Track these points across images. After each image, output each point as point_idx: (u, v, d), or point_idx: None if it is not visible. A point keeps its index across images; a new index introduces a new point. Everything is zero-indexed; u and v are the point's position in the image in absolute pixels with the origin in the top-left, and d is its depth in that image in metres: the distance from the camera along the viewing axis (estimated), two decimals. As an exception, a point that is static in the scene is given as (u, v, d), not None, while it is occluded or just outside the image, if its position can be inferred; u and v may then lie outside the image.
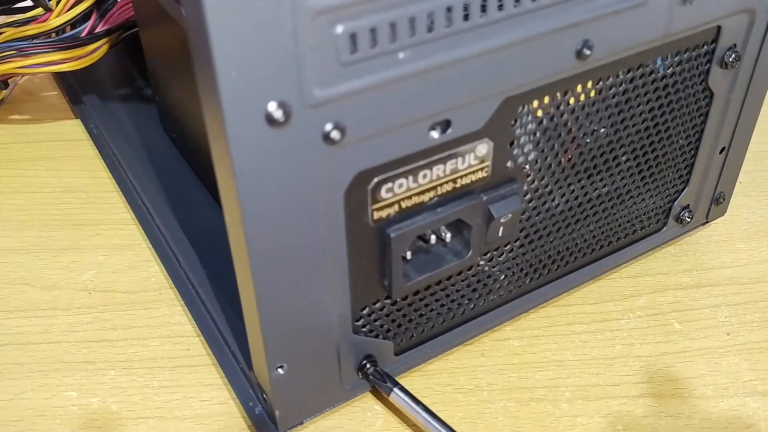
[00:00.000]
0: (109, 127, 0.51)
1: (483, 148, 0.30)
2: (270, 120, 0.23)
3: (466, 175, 0.30)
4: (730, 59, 0.35)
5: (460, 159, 0.30)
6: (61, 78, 0.58)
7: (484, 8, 0.26)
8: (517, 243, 0.35)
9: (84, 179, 0.49)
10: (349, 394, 0.34)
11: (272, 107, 0.23)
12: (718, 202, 0.42)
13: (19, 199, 0.48)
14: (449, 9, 0.25)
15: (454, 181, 0.30)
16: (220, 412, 0.34)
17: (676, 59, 0.34)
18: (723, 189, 0.42)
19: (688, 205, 0.41)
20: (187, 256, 0.40)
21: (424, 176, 0.29)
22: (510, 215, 0.32)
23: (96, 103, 0.54)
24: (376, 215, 0.29)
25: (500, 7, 0.26)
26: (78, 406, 0.34)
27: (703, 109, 0.37)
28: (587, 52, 0.29)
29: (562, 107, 0.31)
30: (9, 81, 0.54)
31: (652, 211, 0.40)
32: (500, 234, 0.33)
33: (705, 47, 0.34)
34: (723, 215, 0.44)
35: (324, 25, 0.23)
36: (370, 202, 0.28)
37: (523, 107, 0.30)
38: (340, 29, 0.23)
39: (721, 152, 0.40)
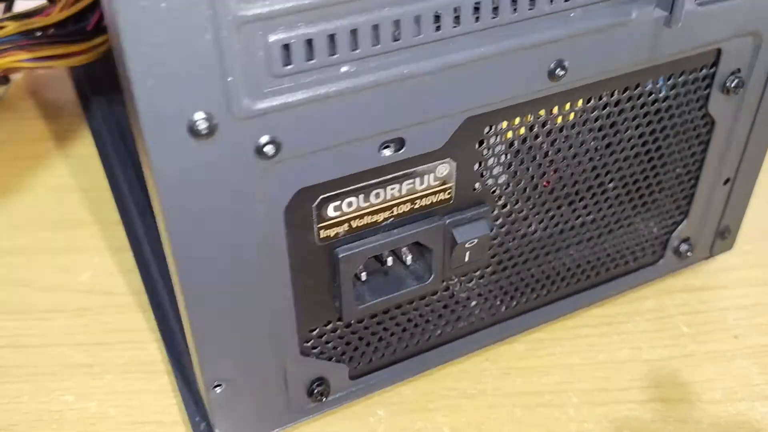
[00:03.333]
0: (110, 126, 0.51)
1: (444, 168, 0.28)
2: (193, 131, 0.22)
3: (425, 196, 0.29)
4: (733, 85, 0.32)
5: (417, 179, 0.28)
6: (67, 73, 0.58)
7: (437, 22, 0.24)
8: (489, 269, 0.33)
9: (82, 179, 0.49)
10: (299, 416, 0.32)
11: (195, 118, 0.22)
12: (724, 236, 0.39)
13: (16, 200, 0.47)
14: (396, 22, 0.23)
15: (411, 202, 0.28)
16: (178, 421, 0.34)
17: (669, 83, 0.31)
18: (729, 222, 0.39)
19: (689, 237, 0.38)
20: (161, 263, 0.39)
21: (377, 195, 0.27)
22: (476, 240, 0.30)
23: (100, 101, 0.54)
24: (323, 234, 0.27)
25: (456, 22, 0.24)
26: (75, 410, 0.34)
27: (703, 137, 0.34)
28: (560, 72, 0.27)
29: (536, 129, 0.29)
30: (10, 76, 0.54)
31: (647, 242, 0.37)
32: (467, 259, 0.31)
33: (704, 71, 0.32)
34: (729, 249, 0.41)
35: (252, 35, 0.21)
36: (315, 221, 0.27)
37: (491, 128, 0.28)
38: (270, 40, 0.22)
39: (725, 183, 0.37)
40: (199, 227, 0.24)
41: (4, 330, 0.38)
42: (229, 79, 0.22)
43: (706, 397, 0.35)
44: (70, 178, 0.49)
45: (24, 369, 0.36)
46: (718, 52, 0.31)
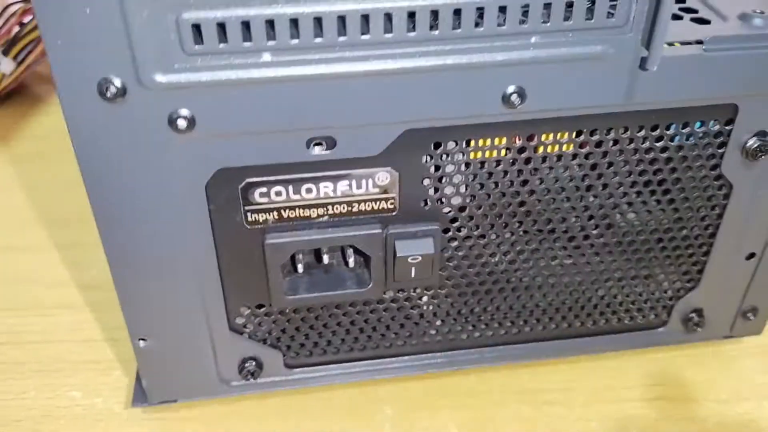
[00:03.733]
0: None
1: (384, 177, 0.27)
2: (101, 93, 0.23)
3: (364, 201, 0.28)
4: (754, 148, 0.29)
5: (354, 182, 0.27)
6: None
7: (366, 27, 0.23)
8: (444, 291, 0.32)
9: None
10: (235, 390, 0.33)
11: (103, 80, 0.23)
12: (747, 316, 0.35)
13: (23, 196, 0.48)
14: (318, 20, 0.23)
15: (348, 204, 0.28)
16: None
17: (668, 132, 0.28)
18: (755, 302, 0.34)
19: (701, 309, 0.34)
20: None
21: (309, 191, 0.27)
22: (420, 257, 0.29)
23: None
24: (251, 217, 0.28)
25: (389, 30, 0.24)
26: (82, 407, 0.34)
27: (717, 201, 0.31)
28: (516, 99, 0.26)
29: (497, 155, 0.28)
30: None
31: (645, 302, 0.34)
32: (413, 275, 0.30)
33: (716, 126, 0.28)
34: (758, 334, 0.36)
35: (160, 9, 0.22)
36: (242, 203, 0.27)
37: (439, 144, 0.27)
38: (180, 17, 0.22)
39: (749, 258, 0.33)
40: (117, 188, 0.26)
41: (10, 326, 0.38)
42: (138, 49, 0.23)
43: (711, 396, 0.35)
44: (77, 174, 0.51)
45: (30, 365, 0.36)
46: (735, 108, 0.28)
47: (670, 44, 0.26)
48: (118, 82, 0.23)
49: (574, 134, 0.28)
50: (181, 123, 0.24)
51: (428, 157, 0.27)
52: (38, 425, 0.33)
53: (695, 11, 0.29)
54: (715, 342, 0.37)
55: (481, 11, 0.24)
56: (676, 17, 0.29)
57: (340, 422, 0.33)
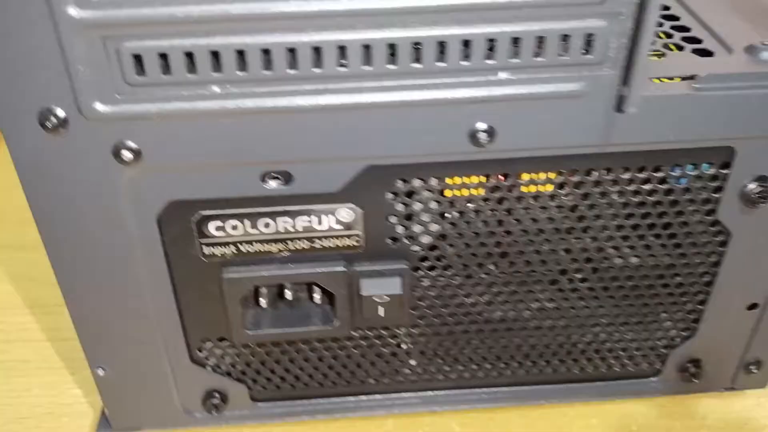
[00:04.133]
0: None
1: (347, 214, 0.26)
2: (42, 123, 0.22)
3: (326, 237, 0.27)
4: (754, 194, 0.26)
5: (315, 218, 0.26)
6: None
7: (318, 59, 0.22)
8: (417, 330, 0.30)
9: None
10: (200, 422, 0.32)
11: (43, 111, 0.22)
12: (750, 369, 0.32)
13: (24, 196, 0.49)
14: (266, 51, 0.22)
15: (310, 240, 0.27)
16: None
17: (657, 175, 0.26)
18: (759, 355, 0.32)
19: (699, 360, 0.32)
20: None
21: (267, 225, 0.26)
22: (387, 297, 0.28)
23: None
24: (207, 251, 0.26)
25: (342, 62, 0.22)
26: (85, 404, 0.34)
27: (713, 248, 0.28)
28: (485, 138, 0.24)
29: (468, 194, 0.26)
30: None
31: (637, 350, 0.32)
32: (382, 314, 0.28)
33: (711, 170, 0.26)
34: (762, 387, 0.34)
35: (97, 40, 0.21)
36: (197, 236, 0.26)
37: (404, 182, 0.26)
38: (120, 46, 0.21)
39: (751, 308, 0.30)
40: (66, 219, 0.25)
41: (13, 324, 0.38)
42: (76, 79, 0.22)
43: (712, 393, 0.34)
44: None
45: (33, 363, 0.36)
46: (731, 151, 0.26)
47: (660, 79, 0.24)
48: (59, 113, 0.22)
49: (552, 175, 0.26)
50: (126, 155, 0.23)
51: (393, 195, 0.26)
52: (41, 422, 0.33)
53: (699, 41, 0.27)
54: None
55: (442, 46, 0.22)
56: (677, 47, 0.27)
57: (343, 420, 0.33)
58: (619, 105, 0.23)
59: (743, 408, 0.33)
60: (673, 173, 0.26)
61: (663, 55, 0.26)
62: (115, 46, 0.21)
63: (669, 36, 0.27)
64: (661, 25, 0.28)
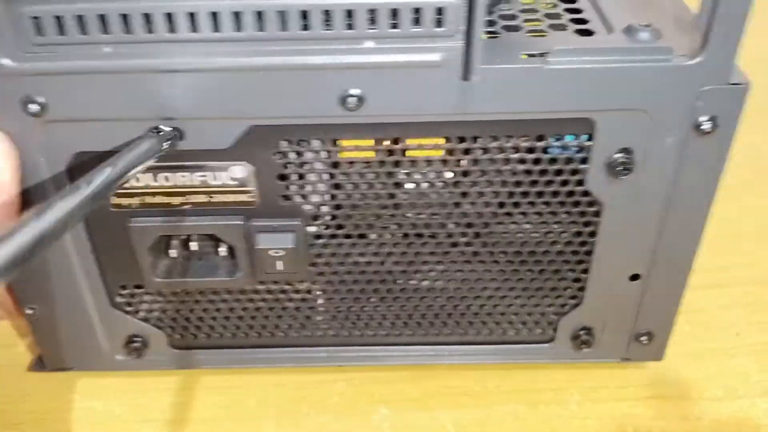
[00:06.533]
0: None
1: (239, 170, 0.29)
2: None
3: (222, 192, 0.29)
4: (617, 164, 0.28)
5: (210, 174, 0.29)
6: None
7: (193, 24, 0.25)
8: (317, 286, 0.33)
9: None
10: (124, 365, 0.35)
11: None
12: (640, 340, 0.34)
13: None
14: (147, 15, 0.25)
15: (208, 194, 0.29)
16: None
17: (523, 144, 0.28)
18: (648, 327, 0.34)
19: (590, 328, 0.34)
20: None
21: (166, 179, 0.29)
22: (282, 251, 0.30)
23: None
24: (114, 200, 0.29)
25: (216, 27, 0.25)
26: (81, 410, 0.34)
27: (587, 218, 0.30)
28: (353, 102, 0.26)
29: (349, 156, 0.29)
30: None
31: (528, 315, 0.34)
32: (280, 268, 0.31)
33: (575, 142, 0.28)
34: (659, 359, 0.35)
35: (2, 3, 0.24)
36: None
37: (289, 142, 0.28)
38: (20, 9, 0.24)
39: (633, 279, 0.32)
40: None
41: (8, 327, 0.38)
42: None
43: (708, 395, 0.35)
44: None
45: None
46: (592, 123, 0.27)
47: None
48: None
49: (425, 141, 0.28)
50: (33, 107, 0.26)
51: (280, 154, 0.28)
52: (36, 428, 0.34)
53: (585, 22, 0.29)
54: (712, 340, 0.37)
55: (305, 14, 0.25)
56: (560, 27, 0.28)
57: (336, 422, 0.34)
58: (465, 74, 0.25)
59: (739, 408, 0.34)
60: (537, 144, 0.28)
61: (545, 33, 0.28)
62: (16, 8, 0.24)
63: (557, 17, 0.29)
64: (555, 6, 0.30)
